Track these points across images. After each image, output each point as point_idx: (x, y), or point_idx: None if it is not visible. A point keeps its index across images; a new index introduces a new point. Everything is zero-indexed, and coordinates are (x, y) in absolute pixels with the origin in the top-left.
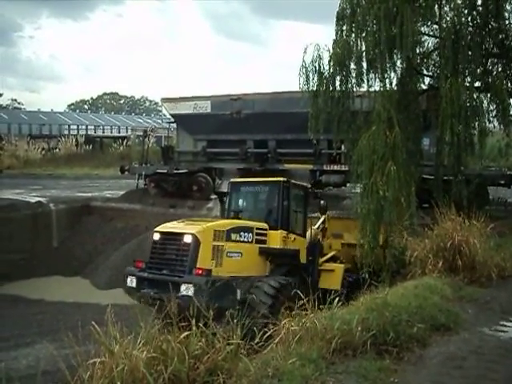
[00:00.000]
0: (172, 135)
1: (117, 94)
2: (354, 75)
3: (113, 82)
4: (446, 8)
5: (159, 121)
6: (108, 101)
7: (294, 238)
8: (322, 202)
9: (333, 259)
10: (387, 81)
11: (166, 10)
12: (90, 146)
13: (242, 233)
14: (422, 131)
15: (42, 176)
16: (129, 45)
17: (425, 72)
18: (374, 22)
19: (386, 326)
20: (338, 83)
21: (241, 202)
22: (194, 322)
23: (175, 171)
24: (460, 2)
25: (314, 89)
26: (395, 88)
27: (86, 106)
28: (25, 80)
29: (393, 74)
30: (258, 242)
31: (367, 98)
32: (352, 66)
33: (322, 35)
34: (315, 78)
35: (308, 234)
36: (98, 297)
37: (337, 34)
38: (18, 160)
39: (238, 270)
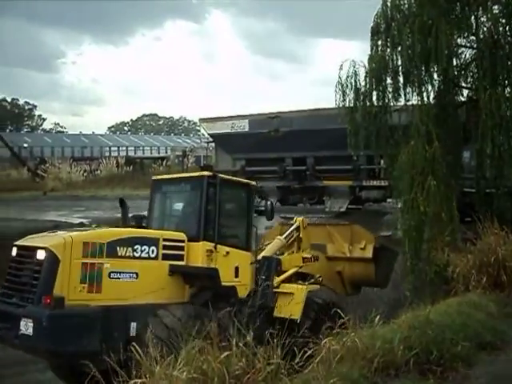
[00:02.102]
0: (211, 154)
1: (156, 115)
2: (390, 90)
3: (152, 103)
4: (482, 18)
5: (198, 140)
6: (147, 122)
7: (227, 253)
8: (268, 202)
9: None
10: (424, 94)
11: (202, 31)
12: (131, 167)
13: (137, 246)
14: (461, 144)
15: (84, 197)
16: (167, 67)
17: (463, 84)
18: (409, 35)
19: (429, 345)
20: (374, 98)
21: (161, 205)
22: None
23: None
24: (497, 12)
25: (351, 105)
26: (433, 101)
27: (126, 128)
28: (67, 104)
29: (430, 88)
30: (167, 257)
31: (405, 112)
32: (388, 80)
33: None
34: (352, 94)
35: (272, 245)
36: None
37: (372, 49)
38: (61, 182)
39: (131, 296)
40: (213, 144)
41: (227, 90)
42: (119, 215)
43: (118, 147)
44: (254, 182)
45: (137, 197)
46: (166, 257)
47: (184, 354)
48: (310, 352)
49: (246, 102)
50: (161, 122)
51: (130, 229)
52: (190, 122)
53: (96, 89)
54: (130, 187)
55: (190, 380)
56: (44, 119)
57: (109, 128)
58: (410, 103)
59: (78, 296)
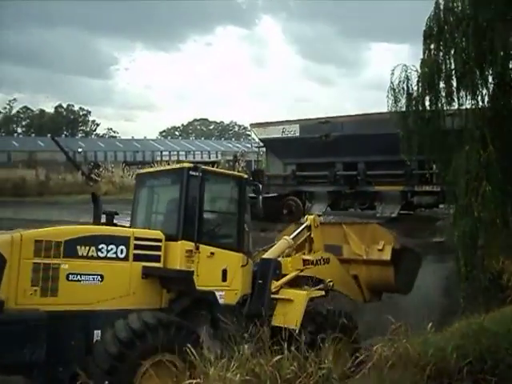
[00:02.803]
0: (261, 159)
1: (207, 119)
2: (443, 94)
3: (203, 108)
4: None
5: (248, 145)
6: (198, 127)
7: (212, 253)
8: (259, 197)
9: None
10: (479, 98)
11: (253, 36)
12: None
13: (102, 245)
14: None
15: None
16: (218, 72)
17: None
18: (463, 38)
19: (484, 354)
20: (427, 103)
21: (143, 201)
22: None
23: (265, 195)
24: None
25: (403, 109)
26: (487, 105)
27: (177, 133)
28: (120, 110)
29: (484, 91)
30: (139, 258)
31: (458, 116)
32: (441, 84)
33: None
34: (404, 99)
35: (276, 246)
36: None
37: (424, 53)
38: (114, 186)
39: (94, 301)
40: (264, 149)
41: (277, 94)
42: None
43: (170, 152)
44: (246, 175)
45: None
46: (138, 258)
47: (237, 357)
48: (361, 357)
49: (295, 107)
50: (211, 127)
51: (94, 226)
52: (240, 126)
53: (148, 94)
54: None
55: (243, 382)
56: (98, 124)
57: (160, 133)
58: (463, 107)
59: (28, 300)
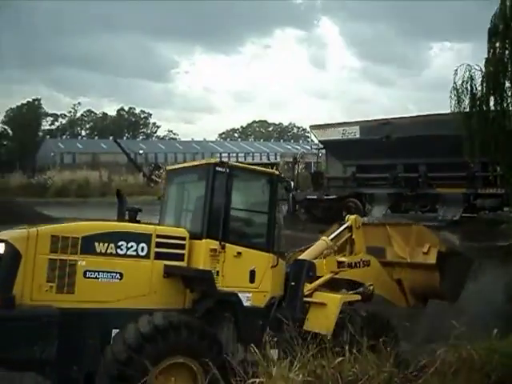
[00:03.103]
0: (321, 161)
1: (266, 121)
2: (509, 94)
3: (262, 110)
4: None
5: (307, 147)
6: (257, 128)
7: (239, 253)
8: (289, 194)
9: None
10: None
11: (311, 38)
12: None
13: (121, 242)
14: None
15: None
16: (277, 74)
17: None
18: None
19: None
20: (492, 103)
21: (172, 198)
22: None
23: (325, 197)
24: None
25: (467, 110)
26: None
27: (236, 135)
28: (180, 112)
29: None
30: (161, 257)
31: None
32: (507, 84)
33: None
34: (467, 99)
35: (313, 247)
36: None
37: (489, 51)
38: None
39: (113, 299)
40: (323, 151)
41: (335, 96)
42: None
43: (229, 153)
44: (277, 172)
45: None
46: (160, 256)
47: (300, 358)
48: (423, 362)
49: (354, 109)
50: (270, 129)
51: (113, 223)
52: (299, 128)
53: (207, 97)
54: None
55: (305, 383)
56: (158, 127)
57: (219, 135)
58: None
59: (43, 296)
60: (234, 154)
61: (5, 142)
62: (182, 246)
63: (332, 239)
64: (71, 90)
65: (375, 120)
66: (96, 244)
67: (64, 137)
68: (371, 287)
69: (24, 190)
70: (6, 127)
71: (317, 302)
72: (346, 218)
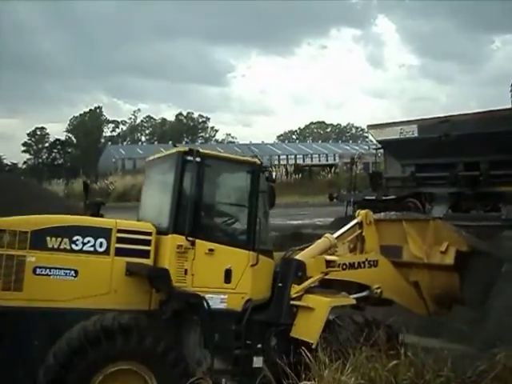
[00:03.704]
0: (379, 161)
1: (323, 122)
2: None
3: (319, 111)
4: None
5: (366, 147)
6: (315, 130)
7: (211, 250)
8: (270, 185)
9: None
10: None
11: (367, 36)
12: (299, 175)
13: (77, 237)
14: None
15: None
16: (334, 74)
17: None
18: None
19: None
20: None
21: (146, 191)
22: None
23: (383, 197)
24: None
25: None
26: None
27: (294, 136)
28: (238, 115)
29: None
30: (123, 253)
31: None
32: None
33: None
34: None
35: (314, 246)
36: None
37: None
38: None
39: (66, 298)
40: (381, 150)
41: (393, 94)
42: (289, 222)
43: (287, 155)
44: (258, 161)
45: (305, 204)
46: (121, 252)
47: (352, 360)
48: (483, 367)
49: (413, 107)
50: (328, 130)
51: (68, 216)
52: (357, 128)
53: (265, 99)
54: (298, 194)
55: None
56: (216, 130)
57: (277, 137)
58: None
59: None
60: (292, 156)
61: (69, 150)
62: (148, 242)
63: (338, 237)
64: (131, 97)
65: (433, 118)
66: (48, 239)
67: (125, 143)
68: (378, 290)
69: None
70: (70, 135)
71: (304, 306)
72: (357, 212)
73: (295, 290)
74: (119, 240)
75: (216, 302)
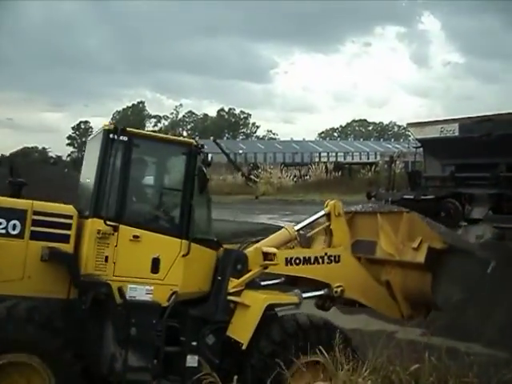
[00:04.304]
0: (419, 160)
1: (365, 120)
2: None
3: (362, 108)
4: None
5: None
6: (357, 128)
7: (136, 237)
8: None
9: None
10: None
11: (412, 34)
12: (339, 173)
13: None
14: None
15: (293, 202)
16: (377, 72)
17: None
18: None
19: None
20: None
21: (81, 172)
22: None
23: (422, 197)
24: None
25: None
26: None
27: (335, 134)
28: (280, 112)
29: None
30: (39, 237)
31: None
32: None
33: None
34: None
35: (270, 238)
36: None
37: None
38: (272, 187)
39: None
40: (421, 149)
41: (437, 93)
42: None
43: (328, 153)
44: (195, 141)
45: (344, 202)
46: (37, 236)
47: (371, 362)
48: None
49: (456, 106)
50: (370, 128)
51: None
52: (399, 127)
53: (307, 96)
54: (338, 192)
55: None
56: (258, 127)
57: (319, 134)
58: None
59: None
60: (333, 154)
61: None
62: (68, 226)
63: (300, 229)
64: (174, 93)
65: (476, 117)
66: None
67: None
68: (339, 289)
69: None
70: None
71: (240, 303)
72: (326, 203)
73: (232, 284)
74: (35, 223)
75: (140, 293)
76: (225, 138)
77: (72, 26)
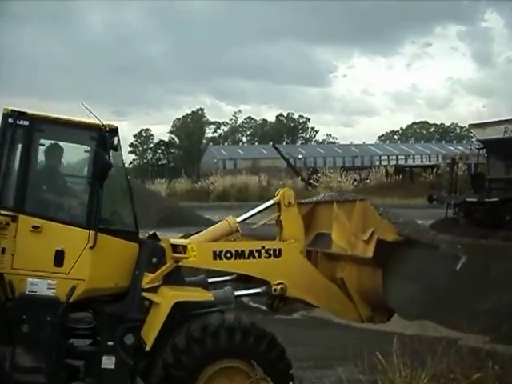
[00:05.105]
0: (483, 162)
1: (426, 122)
2: None
3: (422, 110)
4: None
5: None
6: (418, 130)
7: (36, 227)
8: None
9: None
10: None
11: (474, 33)
12: (400, 176)
13: None
14: None
15: None
16: (437, 72)
17: None
18: None
19: None
20: None
21: None
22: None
23: (486, 200)
24: None
25: None
26: None
27: (395, 137)
28: (339, 116)
29: None
30: None
31: None
32: None
33: None
34: None
35: (209, 230)
36: (403, 327)
37: None
38: (332, 191)
39: None
40: (484, 150)
41: (501, 93)
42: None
43: (388, 156)
44: (103, 125)
45: (405, 206)
46: None
47: (430, 369)
48: None
49: None
50: (431, 130)
51: None
52: (462, 128)
53: (366, 99)
54: (398, 196)
55: None
56: (317, 131)
57: (379, 137)
58: None
59: None
60: (394, 157)
61: (172, 150)
62: None
63: (243, 220)
64: (233, 99)
65: None
66: None
67: (226, 143)
68: (279, 286)
69: (189, 195)
70: (174, 136)
71: (152, 301)
72: (277, 192)
73: (146, 279)
74: None
75: (41, 287)
76: (284, 143)
77: (132, 35)
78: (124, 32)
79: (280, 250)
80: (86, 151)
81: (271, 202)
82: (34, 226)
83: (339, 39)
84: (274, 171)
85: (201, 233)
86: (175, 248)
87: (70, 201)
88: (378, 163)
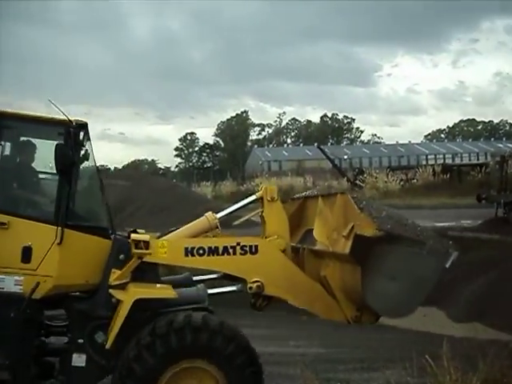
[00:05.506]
0: None
1: (474, 120)
2: None
3: (469, 108)
4: None
5: None
6: (465, 128)
7: (3, 224)
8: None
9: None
10: None
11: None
12: (448, 175)
13: None
14: None
15: (400, 206)
16: (485, 68)
17: None
18: None
19: None
20: None
21: None
22: None
23: None
24: None
25: None
26: None
27: (442, 135)
28: (384, 115)
29: None
30: None
31: None
32: None
33: None
34: None
35: (188, 226)
36: (453, 329)
37: None
38: (378, 191)
39: None
40: None
41: None
42: (434, 224)
43: (435, 155)
44: (72, 120)
45: (453, 206)
46: None
47: (482, 373)
48: None
49: None
50: (479, 127)
51: None
52: (511, 125)
53: (412, 98)
54: (446, 196)
55: None
56: (362, 131)
57: (425, 136)
58: None
59: None
60: (441, 156)
61: (217, 153)
62: None
63: (223, 216)
64: (277, 101)
65: None
66: None
67: (271, 145)
68: (255, 284)
69: (234, 197)
70: (218, 139)
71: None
72: (260, 186)
73: (114, 276)
74: None
75: (8, 284)
76: (329, 144)
77: (177, 41)
78: (168, 37)
79: (257, 246)
80: (53, 147)
81: (253, 197)
82: (0, 223)
83: (382, 38)
84: (319, 172)
85: (180, 229)
86: (137, 244)
87: (38, 197)
88: (424, 162)
